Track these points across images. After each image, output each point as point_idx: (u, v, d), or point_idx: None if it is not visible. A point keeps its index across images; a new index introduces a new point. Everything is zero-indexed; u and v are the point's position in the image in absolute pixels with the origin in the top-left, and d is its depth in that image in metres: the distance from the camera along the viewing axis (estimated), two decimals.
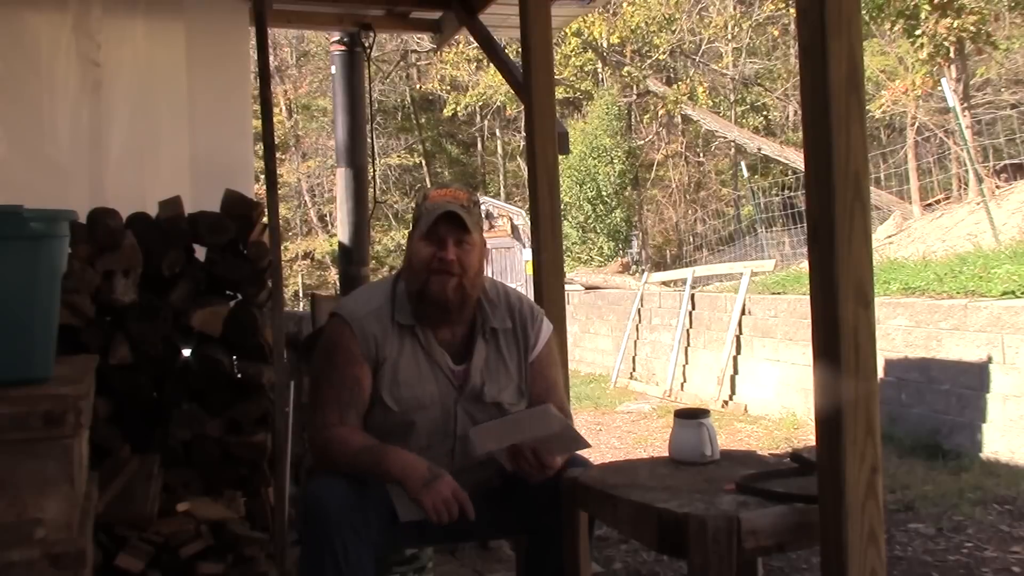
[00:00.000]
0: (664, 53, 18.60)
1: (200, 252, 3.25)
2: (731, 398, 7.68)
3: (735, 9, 19.16)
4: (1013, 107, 11.70)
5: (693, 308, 8.59)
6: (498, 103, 19.51)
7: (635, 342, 9.65)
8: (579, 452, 2.17)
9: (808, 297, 1.65)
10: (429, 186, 2.53)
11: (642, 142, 20.97)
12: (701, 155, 22.30)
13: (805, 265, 4.75)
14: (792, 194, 13.16)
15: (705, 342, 8.27)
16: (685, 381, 8.49)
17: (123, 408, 3.01)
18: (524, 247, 14.48)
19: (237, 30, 4.09)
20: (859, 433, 1.58)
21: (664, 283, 10.52)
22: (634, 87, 19.25)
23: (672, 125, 21.28)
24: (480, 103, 20.44)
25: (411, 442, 2.04)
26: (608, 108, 18.12)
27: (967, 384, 5.30)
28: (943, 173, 13.06)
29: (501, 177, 24.80)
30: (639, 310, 9.69)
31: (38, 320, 1.80)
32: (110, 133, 3.89)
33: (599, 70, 19.93)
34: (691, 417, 2.05)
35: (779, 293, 7.63)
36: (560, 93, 18.24)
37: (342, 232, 4.91)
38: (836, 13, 1.57)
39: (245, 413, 3.12)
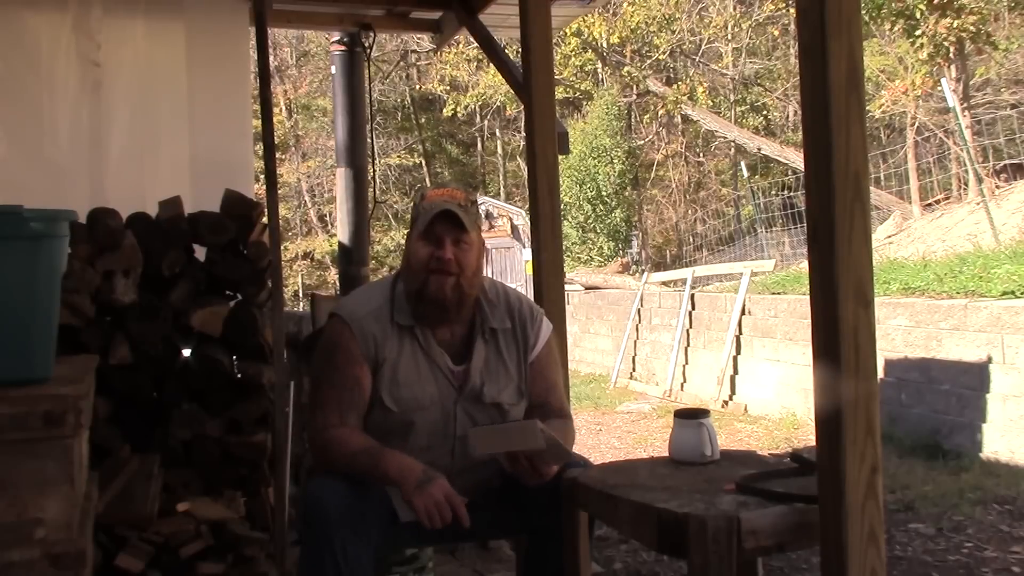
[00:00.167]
0: (664, 53, 18.60)
1: (200, 252, 3.25)
2: (731, 398, 7.68)
3: (735, 9, 19.15)
4: (1013, 107, 11.71)
5: (693, 308, 8.59)
6: (498, 103, 19.50)
7: (635, 342, 9.65)
8: (579, 452, 2.18)
9: (808, 297, 1.65)
10: (428, 186, 2.52)
11: (642, 142, 20.98)
12: (701, 155, 22.30)
13: (805, 265, 4.75)
14: (792, 194, 13.17)
15: (705, 342, 8.27)
16: (685, 381, 8.49)
17: (123, 408, 3.01)
18: (524, 247, 14.47)
19: (237, 30, 4.09)
20: (859, 433, 1.58)
21: (664, 283, 10.53)
22: (634, 87, 19.25)
23: (672, 125, 21.28)
24: (480, 103, 20.44)
25: (411, 442, 2.04)
26: (608, 108, 18.12)
27: (967, 384, 5.30)
28: (943, 173, 13.06)
29: (501, 177, 24.80)
30: (639, 310, 9.69)
31: (38, 320, 1.80)
32: (110, 133, 3.89)
33: (599, 70, 19.92)
34: (691, 417, 2.05)
35: (779, 293, 7.63)
36: (560, 93, 18.23)
37: (342, 232, 4.91)
38: (836, 13, 1.57)
39: (245, 413, 3.12)
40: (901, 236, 10.48)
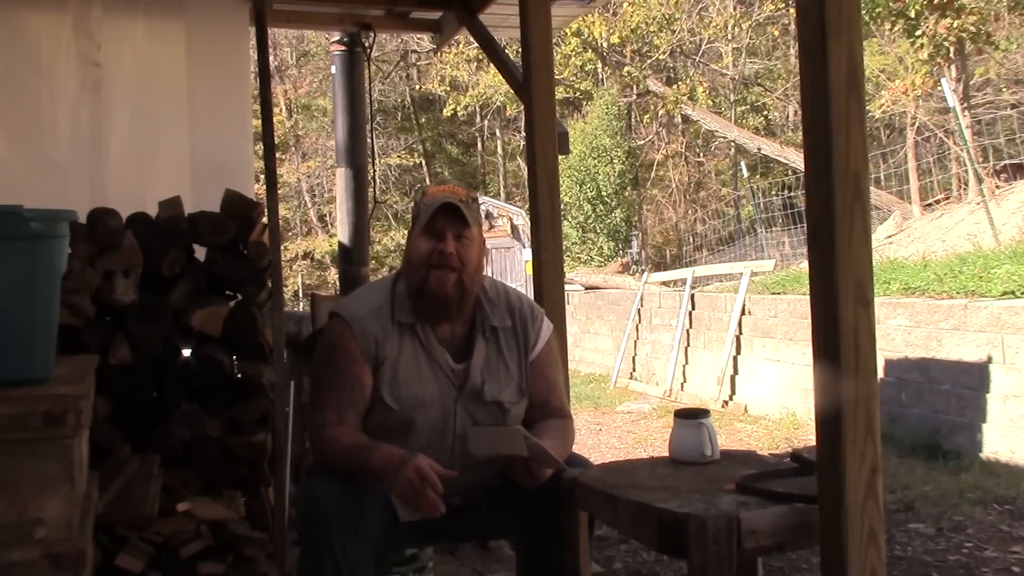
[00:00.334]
0: (664, 53, 18.59)
1: (200, 252, 3.25)
2: (731, 398, 7.68)
3: (735, 9, 19.15)
4: (1013, 107, 11.70)
5: (693, 308, 8.59)
6: (498, 103, 19.50)
7: (635, 342, 9.65)
8: (579, 452, 2.18)
9: (808, 297, 1.65)
10: (429, 184, 2.52)
11: (642, 142, 20.98)
12: (701, 155, 22.30)
13: (805, 265, 4.75)
14: (792, 194, 13.17)
15: (705, 342, 8.27)
16: (685, 381, 8.49)
17: (123, 408, 3.01)
18: (524, 247, 14.48)
19: (237, 30, 4.09)
20: (859, 433, 1.58)
21: (664, 283, 10.53)
22: (634, 87, 19.24)
23: (672, 125, 21.28)
24: (480, 103, 20.44)
25: (411, 440, 2.04)
26: (608, 108, 18.12)
27: (967, 384, 5.30)
28: (943, 173, 13.06)
29: (501, 177, 24.81)
30: (639, 310, 9.69)
31: (38, 320, 1.80)
32: (110, 133, 3.89)
33: (599, 70, 19.92)
34: (691, 417, 2.05)
35: (779, 293, 7.63)
36: (560, 93, 18.23)
37: (342, 232, 4.91)
38: (836, 13, 1.57)
39: (245, 413, 3.12)
40: (901, 236, 10.48)
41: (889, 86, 13.23)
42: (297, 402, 3.10)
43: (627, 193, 18.65)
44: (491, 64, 4.24)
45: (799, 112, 4.93)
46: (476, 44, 4.35)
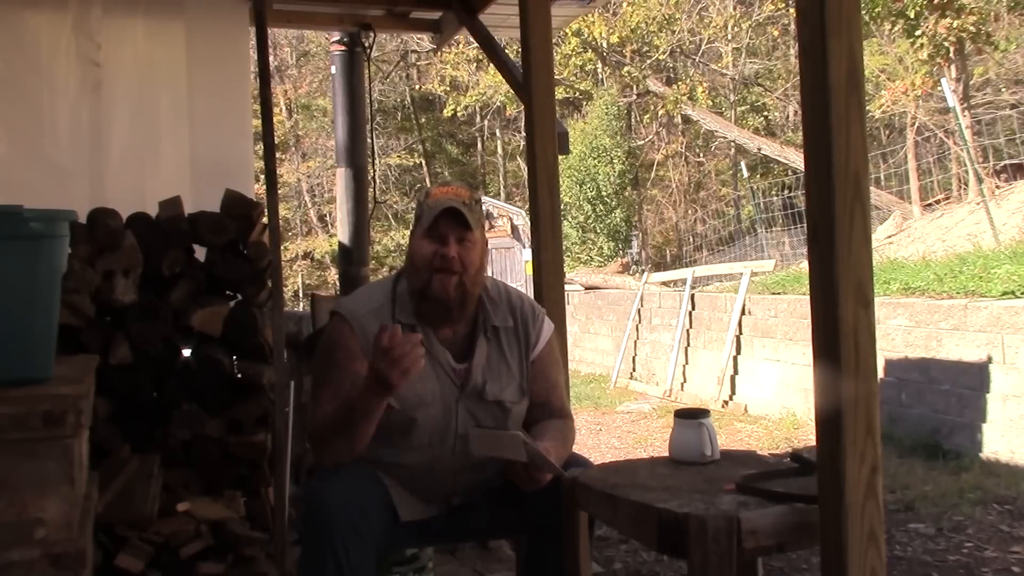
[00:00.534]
0: (664, 53, 18.59)
1: (200, 252, 3.25)
2: (731, 398, 7.68)
3: (735, 9, 19.15)
4: (1013, 107, 11.71)
5: (693, 308, 8.59)
6: (498, 103, 19.51)
7: (635, 342, 9.65)
8: (579, 452, 2.18)
9: (808, 297, 1.65)
10: (430, 185, 2.51)
11: (642, 142, 20.99)
12: (701, 155, 22.30)
13: (805, 265, 4.75)
14: (792, 194, 13.17)
15: (705, 342, 8.27)
16: (685, 381, 8.49)
17: (123, 408, 3.01)
18: (524, 247, 14.49)
19: (237, 30, 4.09)
20: (859, 433, 1.58)
21: (664, 283, 10.53)
22: (634, 87, 19.25)
23: (672, 125, 21.29)
24: (480, 103, 20.44)
25: (413, 440, 2.04)
26: (608, 108, 18.13)
27: (967, 384, 5.30)
28: (943, 173, 13.06)
29: (501, 177, 24.82)
30: (639, 310, 9.69)
31: (38, 320, 1.80)
32: (110, 133, 3.89)
33: (599, 70, 19.93)
34: (691, 417, 2.05)
35: (779, 293, 7.63)
36: (560, 93, 18.24)
37: (342, 232, 4.91)
38: (836, 13, 1.57)
39: (245, 413, 3.12)
40: (901, 236, 10.48)
41: (889, 86, 13.24)
42: (297, 402, 3.10)
43: (627, 193, 18.66)
44: (491, 64, 4.24)
45: (799, 112, 4.93)
46: (476, 44, 4.35)
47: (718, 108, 19.68)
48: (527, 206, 3.83)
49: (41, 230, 1.78)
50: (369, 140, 4.91)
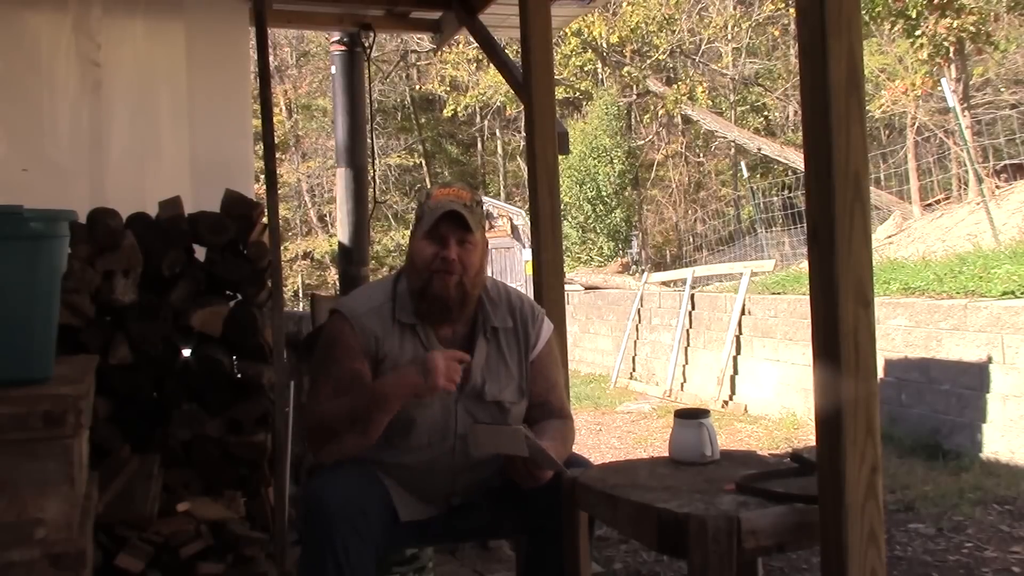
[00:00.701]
0: (664, 53, 18.59)
1: (200, 252, 3.25)
2: (731, 398, 7.68)
3: (735, 9, 19.15)
4: (1013, 107, 11.71)
5: (693, 308, 8.59)
6: (498, 103, 19.51)
7: (635, 342, 9.65)
8: (579, 452, 2.18)
9: (808, 297, 1.65)
10: (430, 186, 2.52)
11: (642, 142, 20.98)
12: (701, 155, 22.29)
13: (805, 265, 4.75)
14: (792, 194, 13.17)
15: (705, 342, 8.27)
16: (685, 381, 8.49)
17: (123, 408, 3.01)
18: (524, 247, 14.50)
19: (237, 30, 4.09)
20: (859, 433, 1.58)
21: (664, 283, 10.53)
22: (634, 87, 19.25)
23: (672, 125, 21.28)
24: (480, 103, 20.44)
25: (412, 439, 2.04)
26: (608, 108, 18.13)
27: (967, 384, 5.30)
28: (943, 173, 13.06)
29: (501, 177, 24.82)
30: (639, 310, 9.69)
31: (38, 320, 1.80)
32: (110, 133, 3.89)
33: (599, 70, 19.93)
34: (691, 417, 2.05)
35: (779, 293, 7.63)
36: (560, 93, 18.24)
37: (342, 232, 4.91)
38: (836, 13, 1.57)
39: (245, 413, 3.12)
40: (901, 236, 10.48)
41: (889, 86, 13.23)
42: (297, 402, 3.10)
43: (627, 193, 18.66)
44: (491, 64, 4.24)
45: (799, 112, 4.93)
46: (476, 44, 4.35)
47: (718, 108, 19.68)
48: (527, 206, 3.83)
49: (41, 230, 1.78)
50: (369, 140, 4.90)
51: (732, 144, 19.04)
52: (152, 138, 3.95)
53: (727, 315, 7.85)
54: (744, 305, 7.64)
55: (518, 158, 23.39)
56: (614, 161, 17.74)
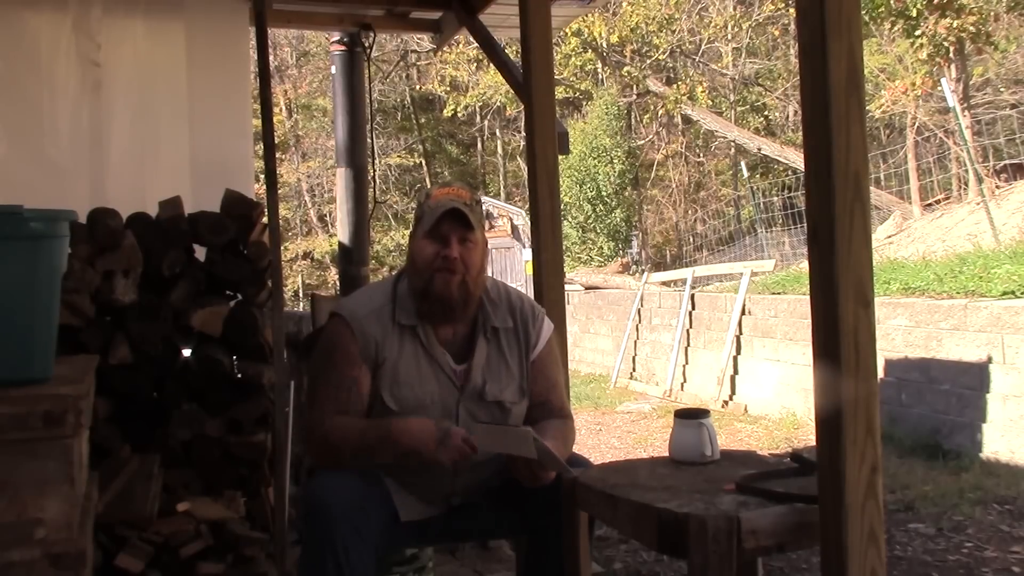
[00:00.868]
0: (664, 53, 18.59)
1: (200, 252, 3.25)
2: (731, 398, 7.68)
3: (735, 9, 19.15)
4: (1013, 107, 11.71)
5: (693, 308, 8.59)
6: (498, 103, 19.51)
7: (635, 342, 9.65)
8: (579, 452, 2.17)
9: (808, 297, 1.65)
10: (430, 186, 2.53)
11: (642, 142, 20.98)
12: (701, 155, 22.29)
13: (805, 265, 4.75)
14: (792, 194, 13.17)
15: (705, 342, 8.27)
16: (685, 381, 8.49)
17: (123, 408, 3.01)
18: (524, 247, 14.50)
19: (237, 30, 4.09)
20: (859, 433, 1.58)
21: (664, 283, 10.53)
22: (634, 87, 19.25)
23: (672, 125, 21.28)
24: (480, 103, 20.44)
25: None
26: (608, 108, 18.12)
27: (967, 384, 5.30)
28: (943, 173, 13.06)
29: (501, 177, 24.81)
30: (639, 310, 9.69)
31: (38, 320, 1.80)
32: (110, 133, 3.89)
33: (599, 70, 19.93)
34: (691, 417, 2.05)
35: (779, 293, 7.63)
36: (560, 93, 18.24)
37: (342, 232, 4.91)
38: (836, 13, 1.57)
39: (245, 413, 3.12)
40: (901, 236, 10.48)
41: (889, 86, 13.23)
42: (297, 402, 3.10)
43: (627, 193, 18.65)
44: (491, 64, 4.24)
45: (799, 112, 4.93)
46: (476, 44, 4.35)
47: (718, 108, 19.68)
48: (527, 206, 3.83)
49: (41, 230, 1.78)
50: (369, 140, 4.90)
51: (732, 144, 19.04)
52: (152, 138, 3.95)
53: (727, 315, 7.85)
54: (744, 305, 7.64)
55: (518, 158, 23.39)
56: (614, 161, 17.74)
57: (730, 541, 1.61)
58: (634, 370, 9.60)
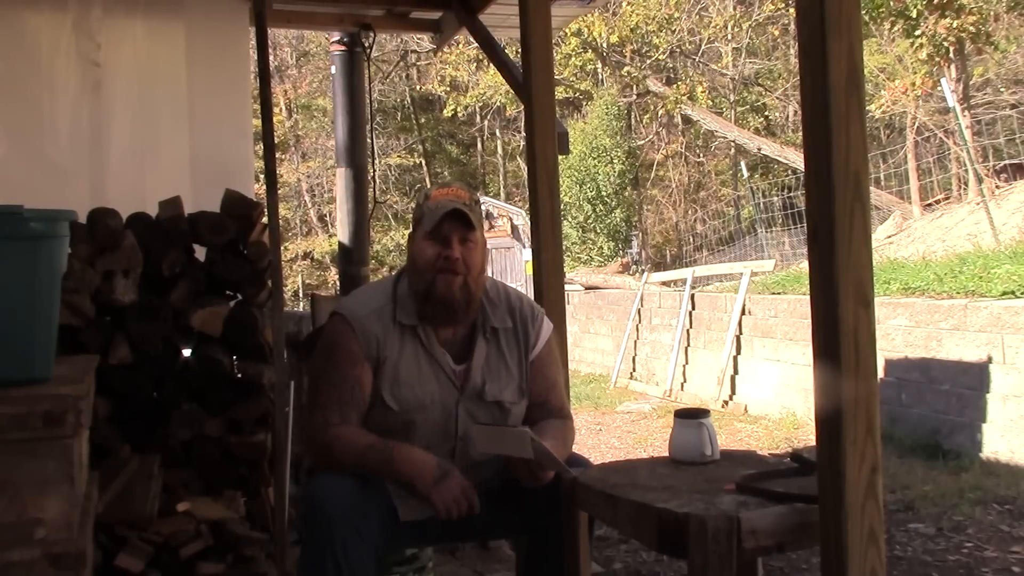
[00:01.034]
0: (664, 53, 18.59)
1: (200, 252, 3.25)
2: (731, 398, 7.68)
3: (735, 9, 19.15)
4: (1013, 107, 11.71)
5: (693, 308, 8.59)
6: (498, 103, 19.51)
7: (635, 342, 9.65)
8: (579, 452, 2.17)
9: (808, 297, 1.65)
10: (429, 186, 2.54)
11: (642, 142, 20.98)
12: (701, 155, 22.29)
13: (805, 265, 4.75)
14: (792, 194, 13.17)
15: (705, 342, 8.27)
16: (685, 381, 8.49)
17: (123, 408, 3.01)
18: (524, 247, 14.49)
19: (237, 30, 4.09)
20: (859, 433, 1.58)
21: (664, 283, 10.53)
22: (634, 87, 19.25)
23: (672, 125, 21.28)
24: (480, 103, 20.44)
25: (412, 441, 2.04)
26: (608, 108, 18.12)
27: (967, 384, 5.30)
28: (943, 173, 13.06)
29: (501, 177, 24.81)
30: (639, 310, 9.69)
31: (38, 320, 1.80)
32: (110, 133, 3.89)
33: (599, 70, 19.92)
34: (691, 417, 2.05)
35: (779, 293, 7.63)
36: (560, 93, 18.24)
37: (342, 232, 4.91)
38: (836, 13, 1.57)
39: (245, 413, 3.12)
40: (901, 236, 10.48)
41: (889, 86, 13.23)
42: (297, 402, 3.10)
43: (627, 193, 18.65)
44: (491, 64, 4.24)
45: (799, 112, 4.93)
46: (476, 44, 4.35)
47: (718, 108, 19.68)
48: (527, 206, 3.83)
49: (41, 230, 1.78)
50: (369, 140, 4.91)
51: (732, 144, 19.04)
52: (152, 138, 3.95)
53: (727, 315, 7.85)
54: (744, 305, 7.64)
55: (518, 158, 23.38)
56: (614, 161, 17.74)
57: (730, 541, 1.61)
58: (634, 370, 9.60)
